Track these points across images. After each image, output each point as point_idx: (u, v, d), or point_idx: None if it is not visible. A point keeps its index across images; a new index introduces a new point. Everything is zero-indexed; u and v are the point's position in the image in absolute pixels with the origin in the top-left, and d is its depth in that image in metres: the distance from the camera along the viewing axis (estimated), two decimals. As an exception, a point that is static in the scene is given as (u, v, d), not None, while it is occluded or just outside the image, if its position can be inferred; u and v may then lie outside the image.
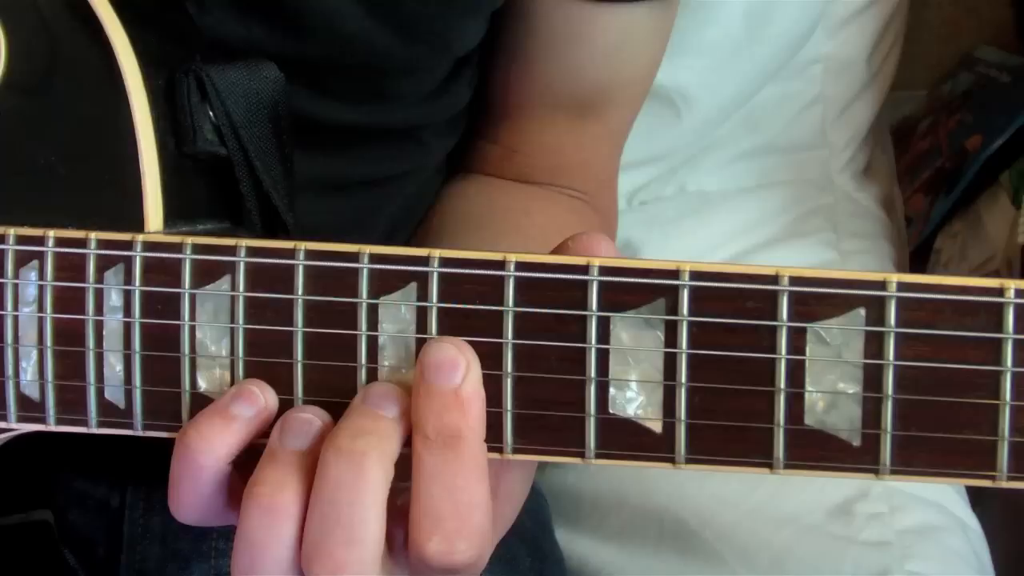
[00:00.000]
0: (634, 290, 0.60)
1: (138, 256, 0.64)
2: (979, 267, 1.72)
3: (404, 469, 0.61)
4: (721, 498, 1.17)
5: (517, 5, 0.96)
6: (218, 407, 0.63)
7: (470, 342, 0.61)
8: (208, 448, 0.63)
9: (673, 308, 0.59)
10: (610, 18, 0.96)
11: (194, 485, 0.64)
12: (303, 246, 0.62)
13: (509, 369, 0.61)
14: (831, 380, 0.58)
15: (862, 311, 0.58)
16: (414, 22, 0.86)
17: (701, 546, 1.16)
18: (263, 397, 0.63)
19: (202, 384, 0.64)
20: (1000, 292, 0.57)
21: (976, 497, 1.25)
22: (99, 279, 0.65)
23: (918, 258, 1.84)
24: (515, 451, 0.62)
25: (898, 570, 1.09)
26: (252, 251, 0.63)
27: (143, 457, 0.72)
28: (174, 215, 0.69)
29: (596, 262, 0.60)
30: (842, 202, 1.48)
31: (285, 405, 0.64)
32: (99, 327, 0.65)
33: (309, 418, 0.62)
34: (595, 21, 0.96)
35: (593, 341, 0.60)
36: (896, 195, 1.58)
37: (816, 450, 0.59)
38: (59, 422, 0.67)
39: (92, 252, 0.65)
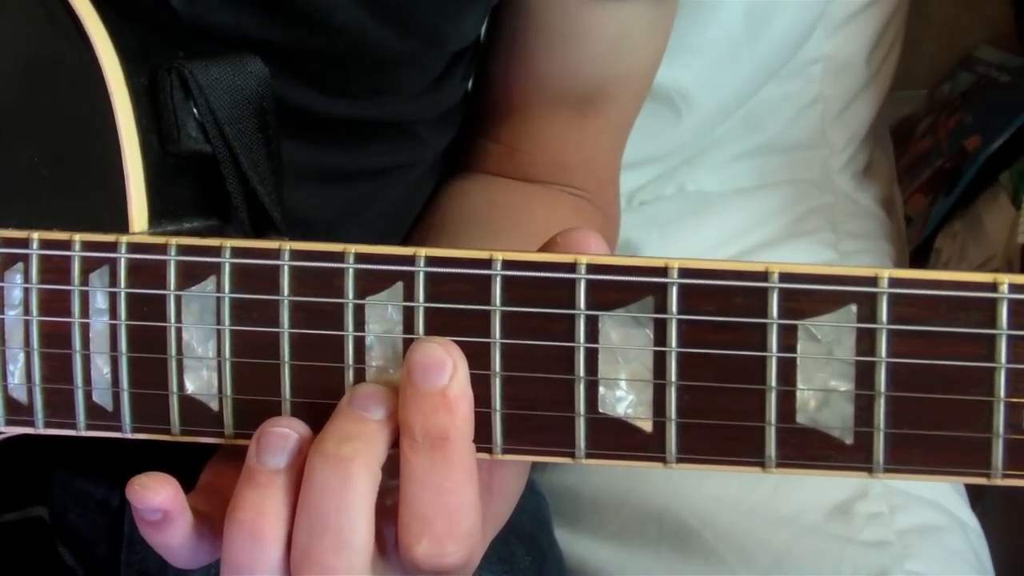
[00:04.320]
0: (622, 288, 0.59)
1: (123, 257, 0.64)
2: (979, 267, 1.72)
3: (395, 466, 0.61)
4: (720, 498, 1.17)
5: (515, 2, 0.96)
6: (138, 517, 0.63)
7: (458, 342, 0.60)
8: (165, 545, 0.64)
9: (662, 306, 0.59)
10: (608, 14, 0.96)
11: (175, 558, 0.65)
12: (288, 246, 0.62)
13: (497, 369, 0.61)
14: (823, 378, 0.58)
15: (854, 307, 0.57)
16: (408, 15, 0.86)
17: (701, 546, 1.15)
18: (148, 506, 0.62)
19: (189, 386, 0.64)
20: (993, 287, 0.56)
21: (976, 496, 1.25)
22: (84, 281, 0.64)
23: (918, 258, 1.84)
24: (504, 452, 0.61)
25: (898, 570, 1.09)
26: (237, 251, 0.63)
27: (143, 457, 0.71)
28: (159, 215, 0.69)
29: (584, 260, 0.59)
30: (842, 202, 1.47)
31: (272, 406, 0.63)
32: (85, 329, 0.65)
33: (285, 432, 0.62)
34: (593, 17, 0.96)
35: (581, 340, 0.60)
36: (896, 195, 1.58)
37: (808, 449, 0.58)
38: (47, 425, 0.66)
39: (77, 254, 0.64)
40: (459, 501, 0.60)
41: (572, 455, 0.60)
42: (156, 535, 0.63)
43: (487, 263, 0.60)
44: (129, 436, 0.66)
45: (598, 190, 1.06)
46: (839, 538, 1.12)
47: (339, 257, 0.62)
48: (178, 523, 0.63)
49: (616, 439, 0.60)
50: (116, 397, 0.65)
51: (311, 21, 0.83)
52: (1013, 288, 0.56)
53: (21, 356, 0.66)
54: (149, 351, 0.64)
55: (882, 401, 0.57)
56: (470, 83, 1.05)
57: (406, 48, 0.88)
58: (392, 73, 0.91)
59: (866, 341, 0.57)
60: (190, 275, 0.63)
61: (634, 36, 0.99)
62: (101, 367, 0.65)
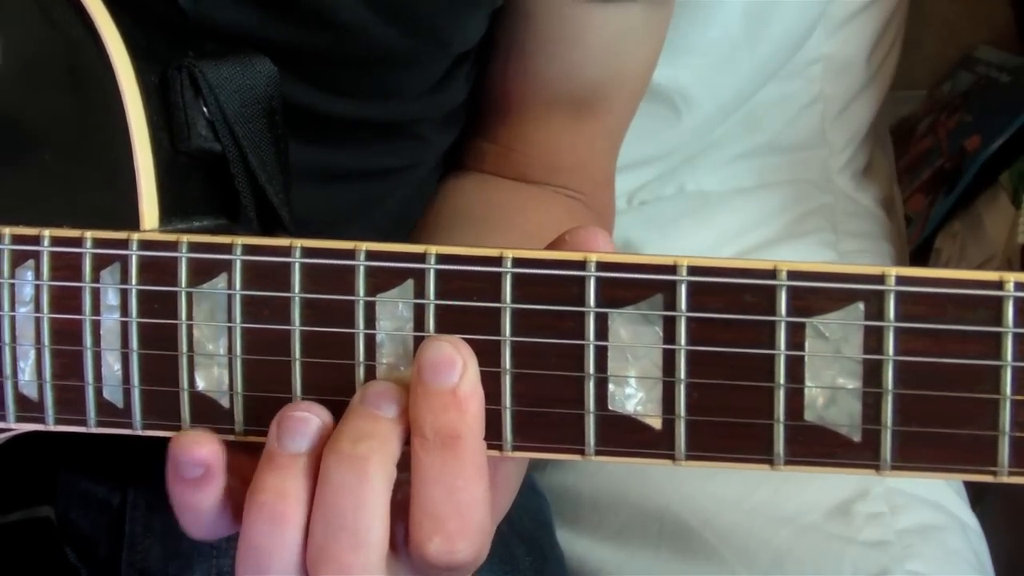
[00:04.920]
0: (632, 285, 0.59)
1: (134, 255, 0.64)
2: (979, 267, 1.72)
3: (404, 460, 0.61)
4: (721, 498, 1.17)
5: (514, 3, 0.96)
6: (175, 474, 0.63)
7: (468, 339, 0.61)
8: (194, 507, 0.64)
9: (671, 303, 0.59)
10: (606, 17, 0.96)
11: (197, 524, 0.65)
12: (299, 244, 0.62)
13: (508, 366, 0.61)
14: (830, 375, 0.58)
15: (861, 305, 0.57)
16: (413, 15, 0.86)
17: (701, 546, 1.16)
18: (194, 458, 0.63)
19: (200, 383, 0.64)
20: (1000, 285, 0.57)
21: (976, 497, 1.25)
22: (95, 278, 0.64)
23: (918, 258, 1.84)
24: (515, 449, 0.62)
25: (898, 570, 1.09)
26: (248, 249, 0.63)
27: (145, 456, 0.72)
28: (170, 213, 0.69)
29: (593, 258, 0.60)
30: (842, 202, 1.47)
31: (283, 403, 0.63)
32: (96, 326, 0.65)
33: (305, 416, 0.62)
34: (591, 20, 0.96)
35: (591, 337, 0.60)
36: (896, 195, 1.58)
37: (816, 446, 0.59)
38: (58, 422, 0.66)
39: (88, 251, 0.64)
40: (470, 499, 0.60)
41: (582, 452, 0.61)
42: (191, 494, 0.63)
43: (498, 261, 0.60)
44: (139, 433, 0.66)
45: (593, 192, 1.07)
46: (839, 538, 1.12)
47: (350, 254, 0.62)
48: (216, 481, 0.63)
49: (625, 436, 0.60)
50: (127, 394, 0.65)
51: (316, 20, 0.83)
52: (1019, 286, 0.56)
53: (32, 353, 0.66)
54: (160, 348, 0.64)
55: (889, 399, 0.57)
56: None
57: (410, 48, 0.89)
58: (396, 73, 0.91)
59: (874, 339, 0.57)
60: (201, 272, 0.63)
61: (631, 39, 0.99)
62: (112, 364, 0.65)
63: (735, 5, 1.38)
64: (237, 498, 0.64)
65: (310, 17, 0.83)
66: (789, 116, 1.48)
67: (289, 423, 0.62)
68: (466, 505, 0.60)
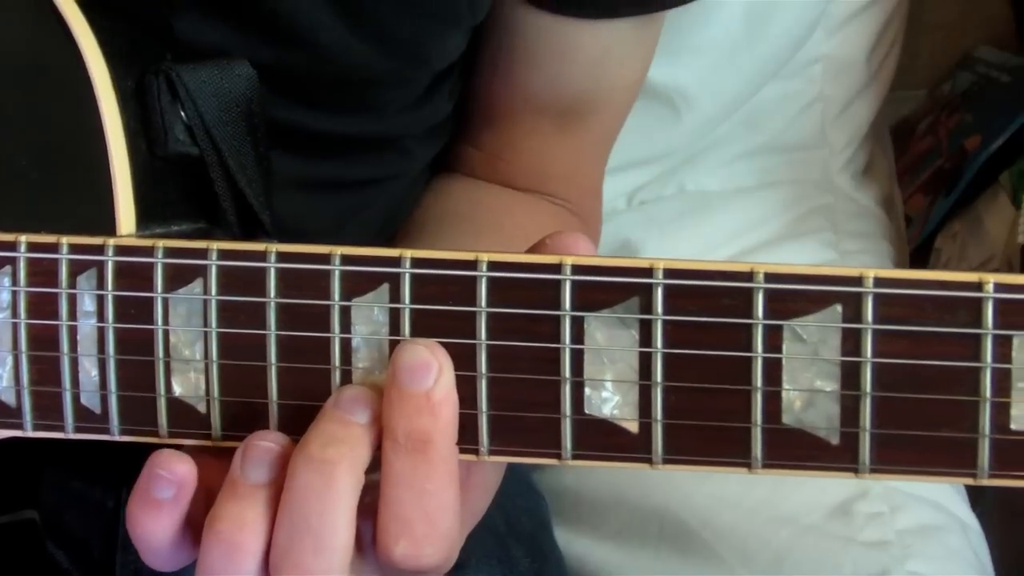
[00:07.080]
0: (608, 289, 0.59)
1: (110, 260, 0.64)
2: (979, 267, 1.72)
3: (374, 462, 0.61)
4: (721, 498, 1.17)
5: (498, 18, 0.95)
6: (142, 495, 0.63)
7: (443, 343, 0.60)
8: (152, 536, 0.63)
9: (647, 306, 0.59)
10: (593, 33, 0.96)
11: (156, 554, 0.64)
12: (274, 248, 0.62)
13: (483, 370, 0.60)
14: (808, 378, 0.58)
15: (839, 307, 0.57)
16: (392, 35, 0.86)
17: (700, 546, 1.16)
18: (173, 474, 0.62)
19: (177, 388, 0.64)
20: (979, 287, 0.56)
21: (975, 497, 1.25)
22: (72, 284, 0.64)
23: (918, 258, 1.84)
24: (491, 453, 0.61)
25: (898, 570, 1.09)
26: (224, 254, 0.63)
27: (139, 459, 0.71)
28: (147, 218, 0.69)
29: (569, 261, 0.59)
30: (842, 202, 1.47)
31: (259, 408, 0.63)
32: (73, 332, 0.65)
33: (269, 447, 0.62)
34: (578, 37, 0.95)
35: (567, 341, 0.60)
36: (896, 195, 1.58)
37: (794, 449, 0.58)
38: (36, 428, 0.66)
39: (64, 257, 0.64)
40: (439, 504, 0.60)
41: (558, 456, 0.60)
42: (152, 520, 0.63)
43: (473, 264, 0.60)
44: (117, 438, 0.66)
45: (579, 200, 1.07)
46: (839, 538, 1.12)
47: (325, 259, 0.62)
48: (178, 508, 0.63)
49: (602, 440, 0.60)
50: (104, 400, 0.65)
51: (294, 41, 0.83)
52: (998, 287, 0.56)
53: (9, 359, 0.66)
54: (136, 353, 0.64)
55: (868, 401, 0.57)
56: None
57: (390, 67, 0.88)
58: (377, 90, 0.91)
59: (851, 341, 0.57)
60: (177, 277, 0.63)
61: (619, 53, 0.99)
62: (89, 370, 0.65)
63: (735, 5, 1.37)
64: (196, 526, 0.63)
65: (289, 38, 0.83)
66: (789, 116, 1.48)
67: (254, 452, 0.62)
68: (435, 510, 0.60)
